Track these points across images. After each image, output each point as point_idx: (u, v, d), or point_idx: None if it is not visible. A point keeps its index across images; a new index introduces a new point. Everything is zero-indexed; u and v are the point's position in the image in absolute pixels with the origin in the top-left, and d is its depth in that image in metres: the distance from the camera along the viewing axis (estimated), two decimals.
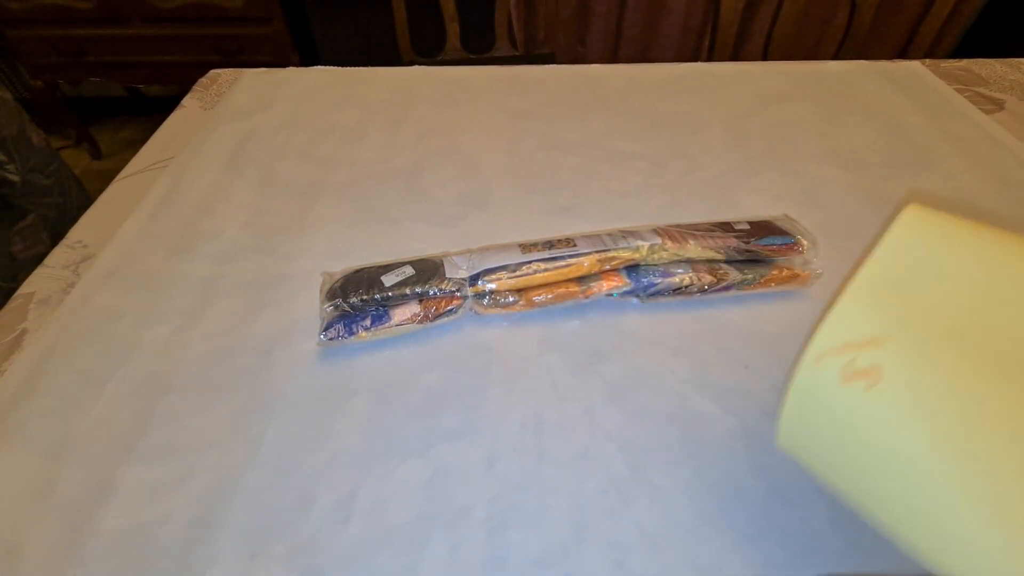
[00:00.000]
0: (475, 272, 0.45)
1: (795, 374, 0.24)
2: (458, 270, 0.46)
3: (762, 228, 0.49)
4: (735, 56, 1.51)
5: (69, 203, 1.03)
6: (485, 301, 0.46)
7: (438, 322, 0.45)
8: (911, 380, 0.22)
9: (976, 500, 0.20)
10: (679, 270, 0.46)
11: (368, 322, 0.44)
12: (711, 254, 0.47)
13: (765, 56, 1.31)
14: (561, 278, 0.46)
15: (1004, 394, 0.21)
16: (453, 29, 1.33)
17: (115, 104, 2.14)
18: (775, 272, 0.47)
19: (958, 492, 0.20)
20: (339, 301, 0.44)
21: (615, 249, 0.46)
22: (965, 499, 0.20)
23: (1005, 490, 0.20)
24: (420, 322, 0.44)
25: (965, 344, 0.22)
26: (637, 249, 0.46)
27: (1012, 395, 0.21)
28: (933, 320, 0.23)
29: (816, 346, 0.24)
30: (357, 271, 0.47)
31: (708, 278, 0.46)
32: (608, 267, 0.46)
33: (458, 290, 0.45)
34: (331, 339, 0.43)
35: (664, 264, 0.47)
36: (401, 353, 0.45)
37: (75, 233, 0.57)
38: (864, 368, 0.22)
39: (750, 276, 0.47)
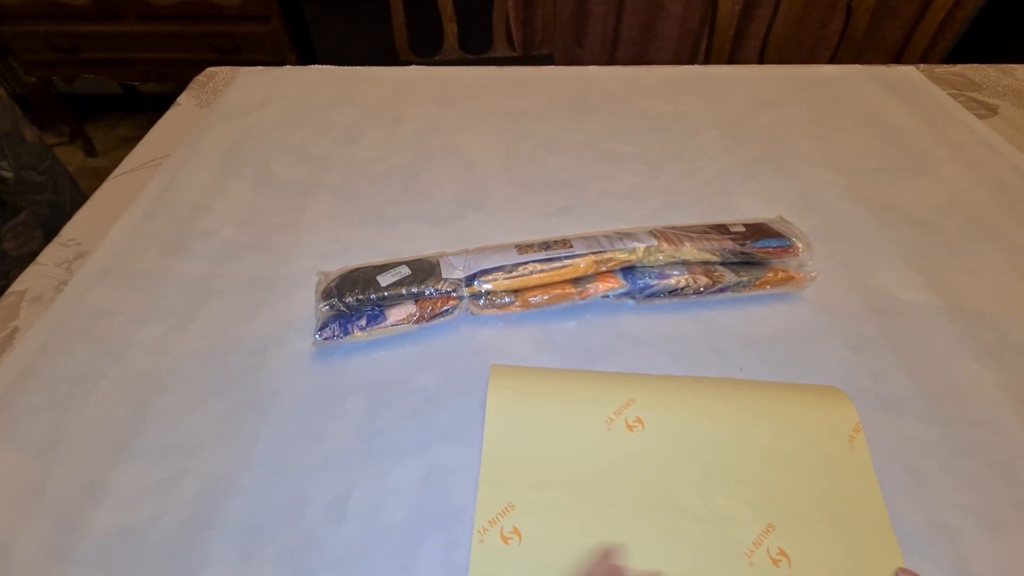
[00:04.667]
0: (471, 272, 0.45)
1: (471, 552, 0.33)
2: (454, 270, 0.46)
3: (758, 230, 0.49)
4: (732, 59, 1.51)
5: (63, 200, 1.03)
6: (481, 302, 0.46)
7: (434, 322, 0.45)
8: (538, 525, 0.34)
9: None
10: (675, 272, 0.46)
11: (364, 322, 0.44)
12: (707, 256, 0.47)
13: (761, 60, 1.31)
14: (557, 279, 0.46)
15: (593, 508, 0.35)
16: (451, 29, 1.33)
17: (110, 101, 2.12)
18: (770, 274, 0.47)
19: None
20: (335, 301, 0.44)
21: (611, 251, 0.46)
22: None
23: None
24: (416, 322, 0.44)
25: (558, 484, 0.36)
26: (633, 251, 0.46)
27: (598, 507, 0.35)
28: (534, 478, 0.36)
29: (477, 525, 0.34)
30: (353, 271, 0.46)
31: (704, 280, 0.46)
32: (604, 268, 0.46)
33: (454, 290, 0.45)
34: (326, 339, 0.43)
35: (660, 266, 0.47)
36: (396, 353, 0.45)
37: (68, 230, 0.57)
38: (511, 530, 0.34)
39: (745, 278, 0.47)
